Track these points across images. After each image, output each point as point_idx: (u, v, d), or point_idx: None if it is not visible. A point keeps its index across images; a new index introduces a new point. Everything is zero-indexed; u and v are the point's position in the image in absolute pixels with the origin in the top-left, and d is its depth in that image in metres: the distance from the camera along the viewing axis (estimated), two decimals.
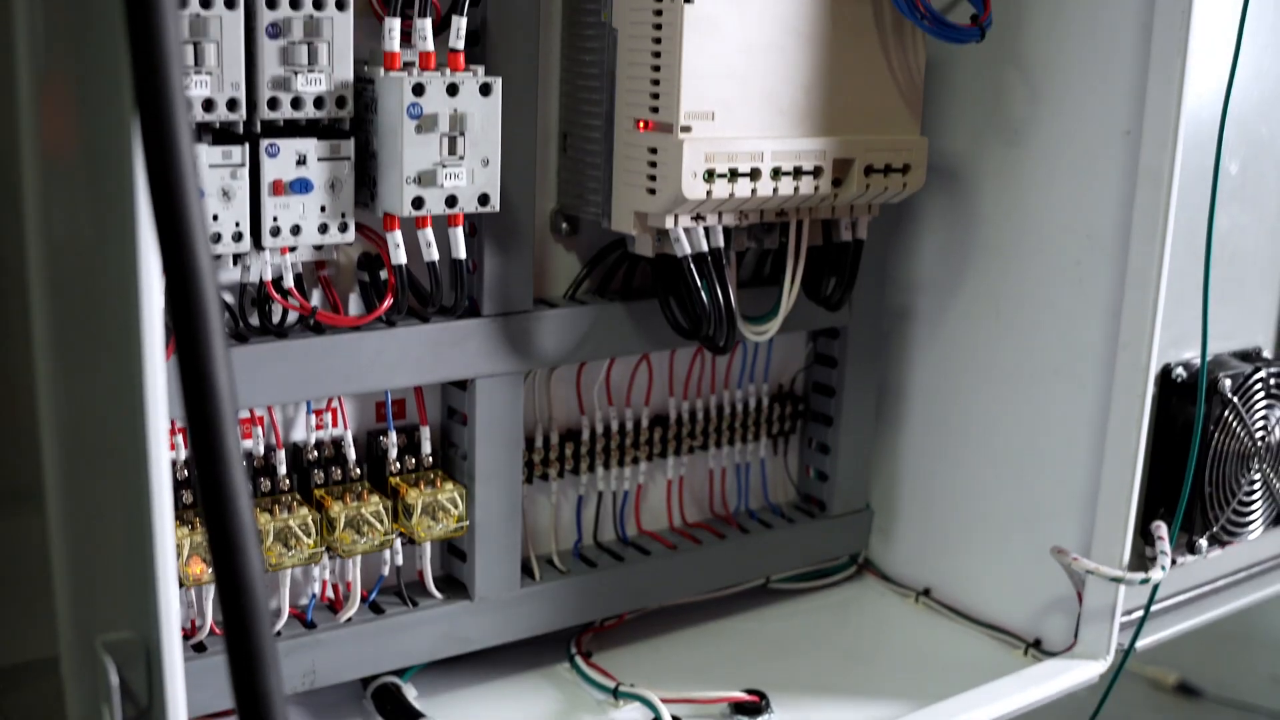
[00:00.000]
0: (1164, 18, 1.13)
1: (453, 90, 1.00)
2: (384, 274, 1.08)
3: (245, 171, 0.96)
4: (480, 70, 1.04)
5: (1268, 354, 1.35)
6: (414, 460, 1.15)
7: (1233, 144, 1.24)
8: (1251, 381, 1.27)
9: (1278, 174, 1.31)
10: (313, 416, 1.11)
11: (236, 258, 1.01)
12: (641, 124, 1.08)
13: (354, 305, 1.12)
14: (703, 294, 1.13)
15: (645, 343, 1.22)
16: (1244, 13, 1.19)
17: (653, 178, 1.07)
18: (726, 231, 1.14)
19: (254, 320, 1.04)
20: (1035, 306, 1.28)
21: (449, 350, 1.11)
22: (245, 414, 1.07)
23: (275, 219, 0.98)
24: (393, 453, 1.13)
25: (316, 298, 1.09)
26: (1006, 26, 1.25)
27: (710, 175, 1.06)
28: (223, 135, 0.96)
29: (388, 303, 1.05)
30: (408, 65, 1.02)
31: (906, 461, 1.42)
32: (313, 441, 1.11)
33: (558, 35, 1.17)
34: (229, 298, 1.04)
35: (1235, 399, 1.25)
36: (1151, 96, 1.16)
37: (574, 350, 1.18)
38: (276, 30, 0.96)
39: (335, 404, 1.11)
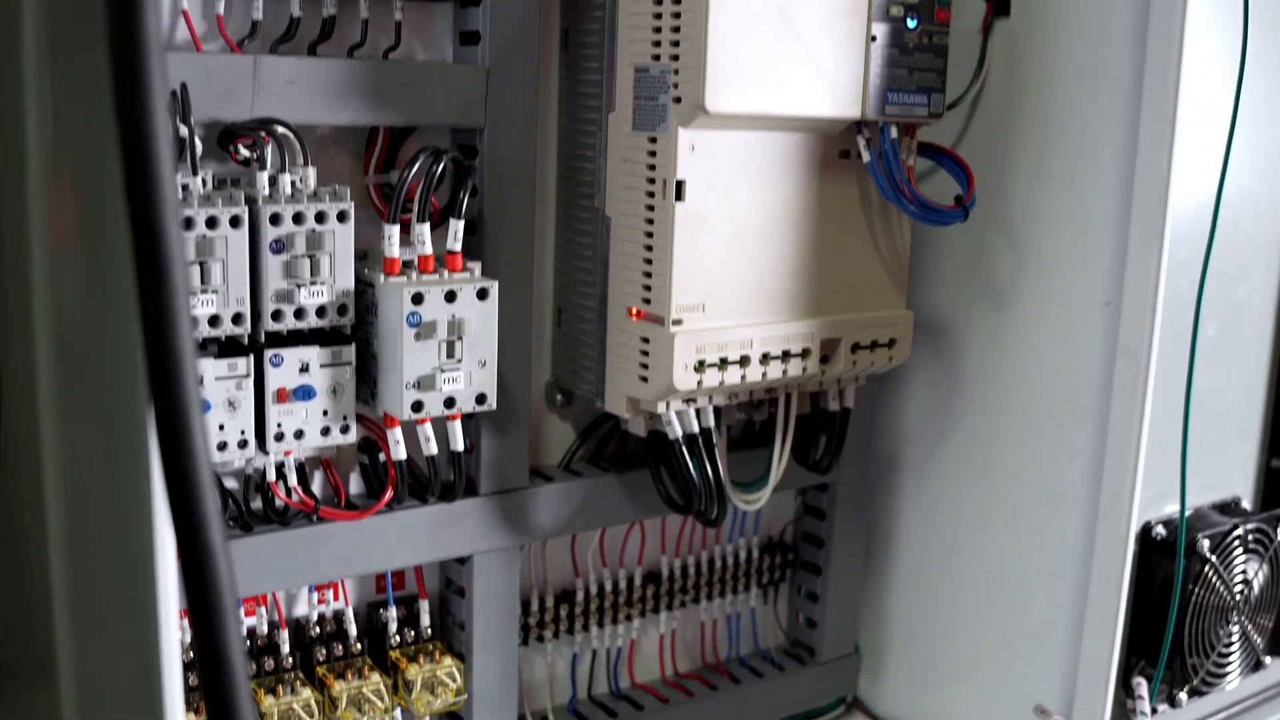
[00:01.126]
0: (1143, 193, 1.17)
1: (451, 297, 1.03)
2: (383, 456, 1.11)
3: (250, 382, 0.99)
4: (477, 269, 1.07)
5: (1247, 504, 1.38)
6: (413, 632, 1.17)
7: (1211, 306, 1.27)
8: (1229, 539, 1.30)
9: (1256, 330, 1.34)
10: (314, 593, 1.14)
11: None
12: (634, 312, 1.11)
13: (354, 484, 1.15)
14: (693, 473, 1.16)
15: (638, 511, 1.25)
16: (1221, 184, 1.22)
17: (645, 366, 1.10)
18: (717, 410, 1.17)
19: (257, 504, 1.07)
20: (1019, 463, 1.31)
21: (448, 529, 1.13)
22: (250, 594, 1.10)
23: (279, 425, 1.01)
24: (392, 626, 1.16)
25: (318, 478, 1.12)
26: (991, 191, 1.29)
27: (701, 365, 1.09)
28: (228, 346, 0.99)
29: (389, 495, 1.08)
30: (406, 264, 1.05)
31: (894, 605, 1.45)
32: (314, 617, 1.14)
33: (553, 215, 1.20)
34: (233, 483, 1.07)
35: (1214, 557, 1.28)
36: (1131, 270, 1.19)
37: (569, 522, 1.20)
38: (280, 246, 0.99)
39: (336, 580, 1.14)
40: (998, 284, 1.31)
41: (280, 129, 1.00)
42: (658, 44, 1.06)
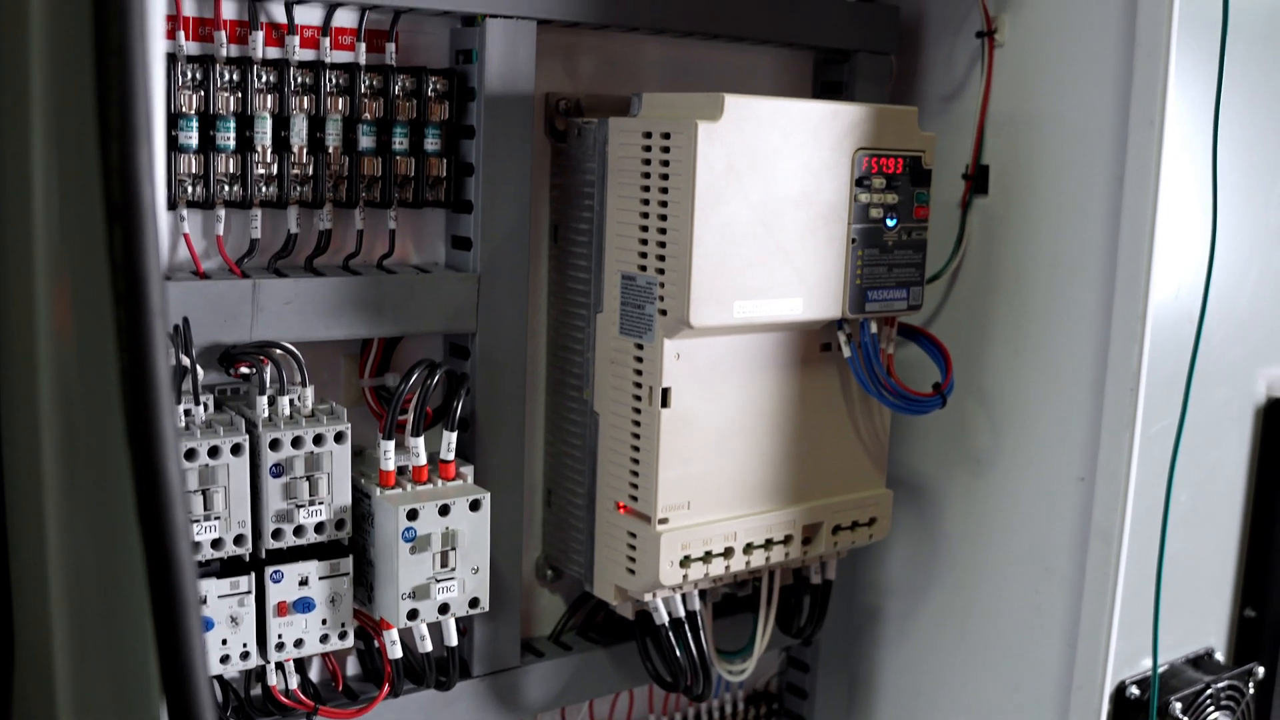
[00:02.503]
0: (1116, 383, 1.21)
1: (444, 511, 1.06)
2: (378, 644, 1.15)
3: (251, 598, 1.03)
4: (469, 475, 1.11)
5: (1220, 655, 1.41)
6: None
7: (1183, 474, 1.31)
8: (1202, 699, 1.34)
9: (1228, 489, 1.38)
10: None
11: None
12: (622, 506, 1.15)
13: (351, 666, 1.18)
14: (679, 656, 1.20)
15: (627, 682, 1.29)
16: (1194, 355, 1.25)
17: (632, 559, 1.14)
18: (702, 592, 1.21)
19: (256, 690, 1.11)
20: (996, 625, 1.35)
21: (442, 712, 1.17)
22: None
23: (280, 635, 1.05)
24: None
25: (316, 663, 1.15)
26: (969, 362, 1.33)
27: (686, 560, 1.13)
28: (230, 564, 1.03)
29: (385, 691, 1.12)
30: (401, 470, 1.09)
31: None
32: None
33: (543, 401, 1.24)
34: (234, 673, 1.11)
35: (1186, 718, 1.32)
36: (1104, 450, 1.23)
37: (560, 696, 1.25)
38: (280, 470, 1.02)
39: None
40: (976, 452, 1.35)
41: (278, 351, 1.04)
42: (644, 254, 1.10)
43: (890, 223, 1.17)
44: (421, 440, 1.08)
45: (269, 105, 1.05)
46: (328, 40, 1.08)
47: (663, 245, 1.08)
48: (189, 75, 1.02)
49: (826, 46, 1.33)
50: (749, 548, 1.17)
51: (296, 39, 1.07)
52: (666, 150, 1.07)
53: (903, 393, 1.19)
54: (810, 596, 1.30)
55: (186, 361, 1.00)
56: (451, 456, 1.09)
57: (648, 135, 1.09)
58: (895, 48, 1.36)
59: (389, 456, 1.07)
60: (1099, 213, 1.23)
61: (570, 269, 1.20)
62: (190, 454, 0.98)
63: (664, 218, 1.08)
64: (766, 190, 1.09)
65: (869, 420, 1.24)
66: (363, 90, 1.09)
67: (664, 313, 1.08)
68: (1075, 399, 1.25)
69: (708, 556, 1.14)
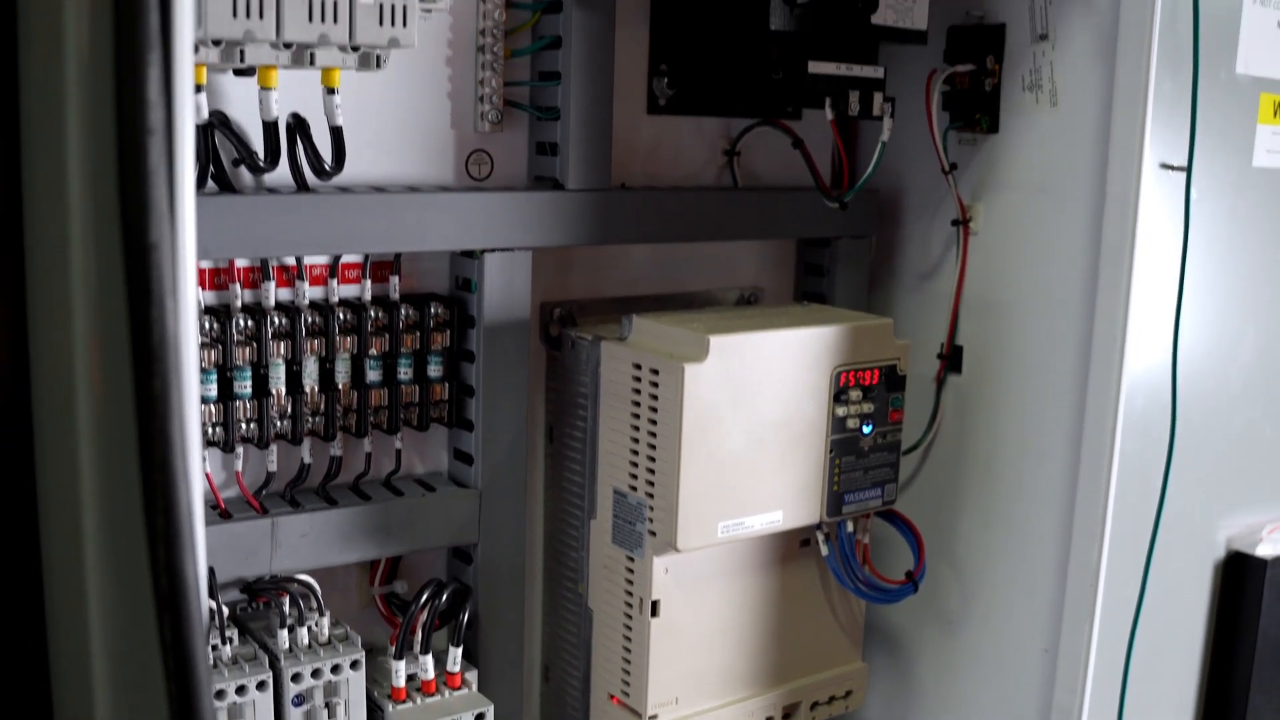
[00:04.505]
0: (1079, 565, 1.29)
1: None
2: None
3: None
4: (474, 681, 1.20)
5: None
6: None
7: (1146, 626, 1.38)
8: None
9: (1187, 640, 1.46)
10: None
11: None
12: (615, 699, 1.24)
13: None
14: None
15: None
16: (1153, 539, 1.33)
17: None
18: None
19: None
20: None
21: None
22: None
23: None
24: None
25: None
26: (941, 529, 1.41)
27: None
28: None
29: None
30: (410, 678, 1.17)
31: None
32: None
33: (540, 587, 1.32)
34: None
35: None
36: (1066, 627, 1.31)
37: None
38: (301, 699, 1.11)
39: None
40: (948, 613, 1.43)
41: (296, 585, 1.12)
42: (634, 475, 1.17)
43: (866, 430, 1.24)
44: (430, 657, 1.16)
45: (282, 352, 1.12)
46: (335, 281, 1.15)
47: (652, 471, 1.15)
48: (207, 327, 1.09)
49: (809, 238, 1.40)
50: None
51: (306, 283, 1.13)
52: (655, 385, 1.14)
53: (879, 585, 1.27)
54: None
55: (213, 605, 1.08)
56: (457, 669, 1.18)
57: (638, 367, 1.16)
58: (874, 231, 1.43)
59: (400, 675, 1.15)
60: (1066, 401, 1.30)
61: (565, 469, 1.28)
62: (219, 694, 1.07)
63: (653, 446, 1.15)
64: (751, 417, 1.16)
65: (845, 603, 1.32)
66: (369, 328, 1.16)
67: (653, 533, 1.16)
68: (1040, 575, 1.33)
69: None
